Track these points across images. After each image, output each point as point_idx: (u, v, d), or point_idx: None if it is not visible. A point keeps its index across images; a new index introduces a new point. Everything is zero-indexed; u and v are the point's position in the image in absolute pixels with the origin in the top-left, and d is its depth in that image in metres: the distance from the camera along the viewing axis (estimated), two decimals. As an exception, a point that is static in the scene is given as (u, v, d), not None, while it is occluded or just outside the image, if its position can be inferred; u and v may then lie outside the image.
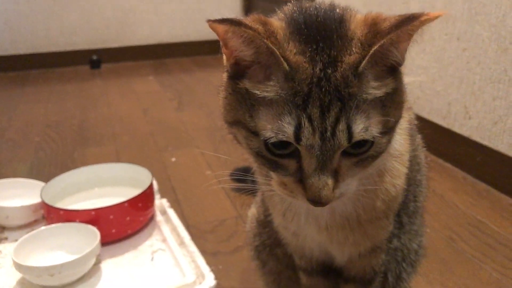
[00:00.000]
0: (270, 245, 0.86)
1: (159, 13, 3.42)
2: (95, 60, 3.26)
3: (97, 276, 1.04)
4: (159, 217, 1.24)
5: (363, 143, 0.50)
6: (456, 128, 1.60)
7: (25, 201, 1.20)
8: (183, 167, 1.65)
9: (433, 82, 1.68)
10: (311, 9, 0.54)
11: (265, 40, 0.48)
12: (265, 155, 0.52)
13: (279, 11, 0.56)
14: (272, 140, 0.49)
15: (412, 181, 0.73)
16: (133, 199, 1.14)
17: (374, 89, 0.50)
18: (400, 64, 0.52)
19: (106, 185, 1.33)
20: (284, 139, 0.49)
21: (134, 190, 1.23)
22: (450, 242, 1.19)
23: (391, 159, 0.62)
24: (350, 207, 0.63)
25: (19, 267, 0.96)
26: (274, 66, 0.50)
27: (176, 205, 1.36)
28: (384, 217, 0.66)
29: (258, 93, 0.50)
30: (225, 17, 0.49)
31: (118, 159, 1.72)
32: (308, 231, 0.67)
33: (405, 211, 0.75)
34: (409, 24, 0.48)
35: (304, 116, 0.48)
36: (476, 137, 1.52)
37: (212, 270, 1.03)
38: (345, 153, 0.51)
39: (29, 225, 1.19)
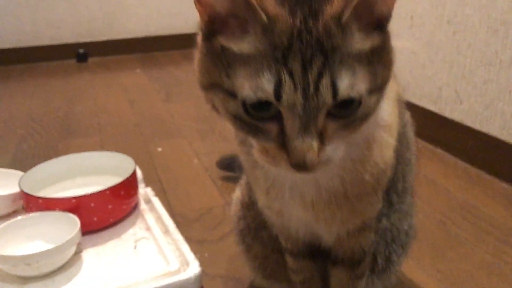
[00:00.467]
0: (255, 228, 0.83)
1: (147, 6, 3.37)
2: (82, 53, 3.21)
3: (77, 265, 1.00)
4: (143, 206, 1.20)
5: (349, 102, 0.46)
6: (447, 113, 1.57)
7: (5, 191, 1.16)
8: (170, 157, 1.61)
9: (423, 67, 1.65)
10: None
11: None
12: (244, 119, 0.48)
13: None
14: (251, 100, 0.45)
15: (401, 159, 0.70)
16: (115, 186, 1.10)
17: (359, 43, 0.46)
18: (387, 19, 0.49)
19: (88, 174, 1.28)
20: (264, 98, 0.45)
21: (118, 179, 1.18)
22: (442, 226, 1.17)
23: (379, 129, 0.59)
24: (337, 182, 0.59)
25: (-5, 257, 0.92)
26: (250, 19, 0.46)
27: (161, 194, 1.32)
28: (373, 193, 0.62)
29: (234, 48, 0.47)
30: None
31: (102, 149, 1.68)
32: (293, 208, 0.63)
33: (394, 190, 0.72)
34: None
35: (285, 71, 0.44)
36: (468, 121, 1.50)
37: (198, 258, 0.99)
38: (331, 116, 0.47)
39: (9, 216, 1.15)
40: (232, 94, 0.47)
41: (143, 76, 2.80)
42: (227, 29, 0.48)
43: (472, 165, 1.48)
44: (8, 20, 3.12)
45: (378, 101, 0.50)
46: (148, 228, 1.11)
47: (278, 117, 0.47)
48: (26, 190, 1.09)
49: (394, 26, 0.51)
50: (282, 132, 0.47)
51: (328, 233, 0.68)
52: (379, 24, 0.49)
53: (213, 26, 0.49)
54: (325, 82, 0.44)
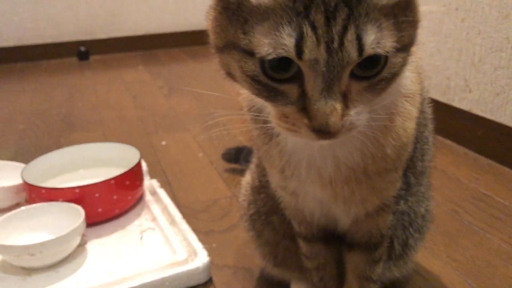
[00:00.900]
0: (266, 213, 0.79)
1: (148, 3, 3.34)
2: (83, 51, 3.18)
3: (82, 256, 0.97)
4: (148, 197, 1.18)
5: (375, 60, 0.43)
6: (456, 103, 1.54)
7: (7, 183, 1.14)
8: (174, 150, 1.59)
9: (431, 57, 1.62)
10: None
11: None
12: (262, 81, 0.45)
13: None
14: (270, 57, 0.42)
15: (419, 137, 0.68)
16: (120, 176, 1.08)
17: None
18: None
19: (92, 166, 1.26)
20: (284, 53, 0.42)
21: (122, 170, 1.16)
22: (455, 215, 1.14)
23: (402, 98, 0.56)
24: (357, 156, 0.56)
25: (-3, 247, 0.89)
26: None
27: (167, 186, 1.29)
28: (393, 169, 0.59)
29: (252, 1, 0.43)
30: None
31: (106, 143, 1.65)
32: (309, 187, 0.60)
33: (412, 171, 0.69)
34: None
35: (307, 24, 0.41)
36: (477, 110, 1.47)
37: (205, 248, 0.97)
38: (355, 76, 0.44)
39: (12, 208, 1.13)
40: (249, 53, 0.44)
41: (145, 72, 2.77)
42: None
43: (482, 155, 1.45)
44: (9, 18, 3.09)
45: (404, 62, 0.47)
46: (154, 219, 1.09)
47: (298, 77, 0.44)
48: (29, 181, 1.07)
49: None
50: (302, 94, 0.44)
51: (345, 214, 0.65)
52: None
53: None
54: (350, 36, 0.41)
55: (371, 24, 0.42)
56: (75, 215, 0.99)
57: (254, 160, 0.84)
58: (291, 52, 0.42)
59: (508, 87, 1.35)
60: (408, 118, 0.57)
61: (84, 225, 0.97)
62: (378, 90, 0.46)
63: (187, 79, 2.61)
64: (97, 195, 1.04)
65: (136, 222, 1.09)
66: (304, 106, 0.44)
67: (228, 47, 0.47)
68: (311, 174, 0.58)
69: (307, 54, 0.41)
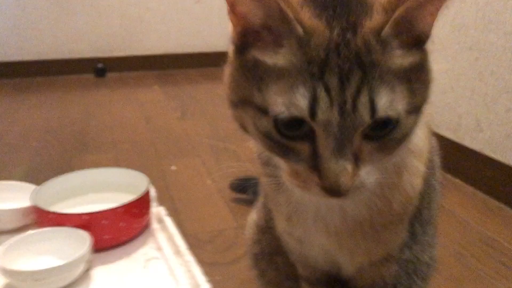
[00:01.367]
0: (270, 253, 0.80)
1: (167, 23, 3.40)
2: (100, 68, 3.24)
3: (86, 283, 0.98)
4: (155, 225, 1.19)
5: (386, 122, 0.44)
6: (467, 142, 1.54)
7: (17, 205, 1.15)
8: (183, 176, 1.60)
9: (443, 94, 1.63)
10: None
11: (278, 0, 0.43)
12: (275, 138, 0.46)
13: None
14: (283, 116, 0.43)
15: (426, 185, 0.68)
16: (128, 204, 1.08)
17: (399, 58, 0.44)
18: (427, 37, 0.47)
19: (101, 190, 1.27)
20: (297, 114, 0.43)
21: (130, 196, 1.17)
22: (461, 259, 1.13)
23: (410, 155, 0.56)
24: (364, 209, 0.56)
25: (3, 271, 0.90)
26: (286, 31, 0.44)
27: (174, 213, 1.30)
28: (399, 222, 0.60)
29: (268, 61, 0.45)
30: None
31: (117, 166, 1.67)
32: (315, 237, 0.61)
33: (418, 219, 0.69)
34: None
35: (321, 86, 0.42)
36: (488, 151, 1.46)
37: (209, 281, 0.97)
38: (366, 136, 0.45)
39: (20, 230, 1.14)
40: (263, 111, 0.45)
41: (160, 93, 2.81)
42: (260, 41, 0.47)
43: (492, 197, 1.44)
44: (30, 32, 3.17)
45: (415, 122, 0.48)
46: (159, 248, 1.09)
47: (310, 136, 0.45)
48: (38, 205, 1.08)
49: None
50: (314, 152, 0.45)
51: (350, 263, 0.65)
52: (418, 42, 0.47)
53: (246, 38, 0.48)
54: (363, 99, 0.42)
55: (384, 87, 0.43)
56: (82, 241, 0.99)
57: (261, 199, 0.85)
58: (304, 113, 0.43)
59: (519, 130, 1.35)
60: (415, 174, 0.57)
61: (90, 252, 0.97)
62: (388, 150, 0.47)
63: (200, 101, 2.64)
64: (104, 222, 1.05)
65: (142, 251, 1.10)
66: (315, 164, 0.45)
67: (242, 103, 0.48)
68: (317, 224, 0.58)
69: (320, 116, 0.42)
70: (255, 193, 1.36)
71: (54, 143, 1.91)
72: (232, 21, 0.49)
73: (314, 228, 0.59)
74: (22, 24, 3.13)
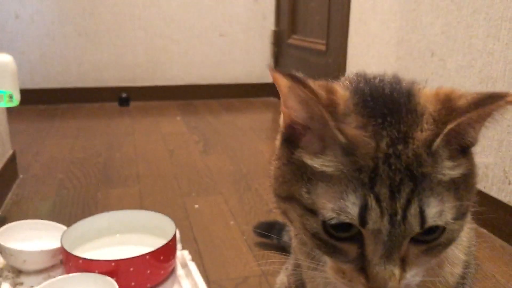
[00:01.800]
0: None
1: (190, 55, 3.46)
2: (124, 98, 3.29)
3: (112, 333, 0.98)
4: (179, 271, 1.19)
5: (434, 229, 0.45)
6: (494, 193, 1.52)
7: (44, 245, 1.17)
8: (206, 216, 1.60)
9: (469, 143, 1.62)
10: (376, 80, 0.50)
11: (320, 106, 0.44)
12: (323, 238, 0.47)
13: (343, 79, 0.53)
14: (333, 222, 0.44)
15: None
16: (155, 251, 1.09)
17: (449, 170, 0.45)
18: (473, 144, 0.48)
19: (128, 232, 1.29)
20: (347, 220, 0.44)
21: (156, 239, 1.19)
22: (490, 319, 1.11)
23: (452, 246, 0.57)
24: None
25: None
26: (328, 137, 0.45)
27: (197, 257, 1.30)
28: (436, 306, 0.60)
29: (317, 166, 0.46)
30: (291, 73, 0.45)
31: (141, 202, 1.68)
32: None
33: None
34: (492, 103, 0.44)
35: (372, 196, 0.43)
36: (516, 203, 1.44)
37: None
38: (413, 240, 0.46)
39: (46, 270, 1.15)
40: (311, 211, 0.46)
41: (182, 124, 2.84)
42: (305, 141, 0.48)
43: (520, 250, 1.41)
44: (56, 60, 3.25)
45: (461, 226, 0.49)
46: (184, 297, 1.10)
47: (358, 239, 0.46)
48: (67, 247, 1.10)
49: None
50: (361, 254, 0.46)
51: None
52: (465, 148, 0.48)
53: (293, 133, 0.48)
54: (414, 210, 0.43)
55: (434, 198, 0.44)
56: (109, 288, 1.00)
57: (290, 262, 0.85)
58: (354, 220, 0.44)
59: (549, 185, 1.33)
60: (456, 264, 0.57)
61: (117, 301, 0.98)
62: (434, 253, 0.47)
63: (221, 133, 2.67)
64: (131, 269, 1.06)
65: (167, 298, 1.10)
66: (362, 266, 0.46)
67: (290, 199, 0.49)
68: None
69: (370, 225, 0.43)
70: (280, 238, 1.35)
71: (79, 175, 1.94)
72: (283, 112, 0.50)
73: None
74: (50, 53, 3.22)
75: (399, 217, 0.43)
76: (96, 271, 1.04)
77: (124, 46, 3.34)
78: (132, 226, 1.30)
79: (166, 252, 1.13)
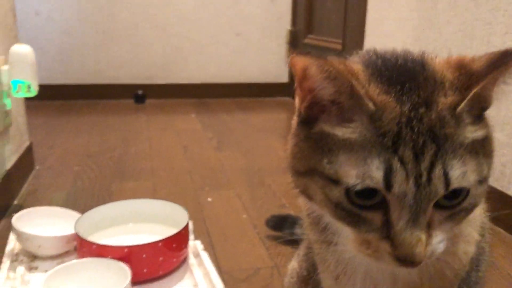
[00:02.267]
0: (311, 305, 0.79)
1: (206, 53, 3.48)
2: (140, 95, 3.32)
3: (124, 317, 0.99)
4: (191, 260, 1.19)
5: (457, 193, 0.45)
6: (511, 192, 1.50)
7: (59, 231, 1.18)
8: (219, 209, 1.61)
9: (486, 141, 1.60)
10: (388, 54, 0.51)
11: (349, 76, 0.45)
12: (346, 207, 0.47)
13: (353, 56, 0.53)
14: (358, 188, 0.44)
15: (477, 250, 0.67)
16: (168, 239, 1.10)
17: (471, 133, 0.46)
18: (489, 106, 0.49)
19: (141, 221, 1.30)
20: (372, 185, 0.44)
21: (169, 228, 1.19)
22: (504, 316, 1.09)
23: (466, 223, 0.56)
24: (415, 275, 0.56)
25: (46, 300, 0.92)
26: (355, 107, 0.46)
27: (210, 248, 1.31)
28: (449, 287, 0.59)
29: (340, 134, 0.46)
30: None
31: (154, 195, 1.69)
32: None
33: (466, 282, 0.68)
34: (509, 62, 0.44)
35: (396, 159, 0.43)
36: (533, 202, 1.42)
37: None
38: (437, 205, 0.45)
39: (60, 256, 1.17)
40: (334, 181, 0.46)
41: (196, 121, 2.86)
42: (328, 115, 0.48)
43: (536, 249, 1.39)
44: (75, 58, 3.29)
45: (484, 192, 0.49)
46: (195, 285, 1.10)
47: (383, 206, 0.45)
48: (81, 234, 1.11)
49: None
50: (386, 222, 0.46)
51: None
52: (482, 111, 0.49)
53: (312, 112, 0.49)
54: (438, 172, 0.43)
55: (457, 160, 0.44)
56: (122, 274, 1.01)
57: (302, 247, 0.85)
58: (379, 185, 0.43)
59: None
60: (470, 242, 0.57)
61: (130, 285, 0.98)
62: (458, 219, 0.48)
63: (235, 131, 2.67)
64: (144, 255, 1.07)
65: (178, 286, 1.10)
66: (387, 234, 0.45)
67: (310, 173, 0.49)
68: (366, 286, 0.58)
69: (396, 188, 0.43)
70: (292, 231, 1.35)
71: (94, 168, 1.96)
72: (299, 95, 0.50)
73: None
74: (68, 49, 3.26)
75: (424, 179, 0.43)
76: (109, 257, 1.05)
77: (140, 44, 3.37)
78: (145, 215, 1.30)
79: (179, 240, 1.13)
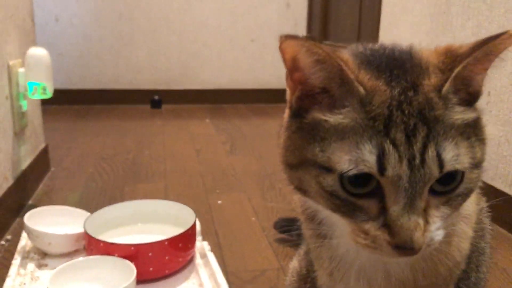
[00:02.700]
0: (310, 303, 0.79)
1: (222, 59, 3.51)
2: (157, 100, 3.36)
3: (128, 314, 1.00)
4: (198, 260, 1.21)
5: (453, 176, 0.45)
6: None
7: (69, 230, 1.21)
8: (228, 211, 1.62)
9: (498, 147, 1.58)
10: (375, 45, 0.51)
11: (339, 60, 0.46)
12: (340, 195, 0.46)
13: (340, 49, 0.54)
14: (351, 172, 0.44)
15: (475, 248, 0.66)
16: (174, 238, 1.11)
17: (460, 114, 0.46)
18: (478, 96, 0.49)
19: (149, 221, 1.31)
20: (366, 170, 0.44)
21: (177, 229, 1.20)
22: (513, 322, 1.07)
23: (460, 219, 0.56)
24: (408, 271, 0.56)
25: (53, 295, 0.94)
26: (346, 94, 0.46)
27: (217, 249, 1.32)
28: (444, 285, 0.59)
29: (332, 121, 0.46)
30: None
31: (166, 196, 1.71)
32: None
33: (465, 282, 0.67)
34: (491, 42, 0.45)
35: (388, 142, 0.43)
36: (546, 208, 1.40)
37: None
38: (433, 191, 0.45)
39: (70, 254, 1.19)
40: (327, 169, 0.46)
41: (211, 126, 2.88)
42: (318, 104, 0.48)
43: (549, 256, 1.37)
44: (93, 63, 3.35)
45: (478, 178, 0.49)
46: (201, 285, 1.11)
47: (378, 193, 0.45)
48: (90, 233, 1.13)
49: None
50: (382, 209, 0.45)
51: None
52: (472, 100, 0.49)
53: (303, 102, 0.49)
54: (431, 153, 0.43)
55: (449, 142, 0.44)
56: (127, 272, 1.02)
57: (303, 247, 0.85)
58: (373, 169, 0.44)
59: None
60: (463, 238, 0.57)
61: (135, 283, 1.00)
62: (455, 205, 0.47)
63: (248, 136, 2.68)
64: (150, 254, 1.08)
65: (184, 285, 1.11)
66: (384, 222, 0.45)
67: (303, 164, 0.49)
68: (359, 282, 0.58)
69: (389, 171, 0.43)
70: (299, 235, 1.35)
71: (108, 170, 1.99)
72: (290, 87, 0.51)
73: (356, 286, 0.59)
74: (87, 55, 3.33)
75: (417, 161, 0.43)
76: (116, 255, 1.07)
77: (158, 50, 3.42)
78: (154, 216, 1.32)
79: (185, 240, 1.14)
